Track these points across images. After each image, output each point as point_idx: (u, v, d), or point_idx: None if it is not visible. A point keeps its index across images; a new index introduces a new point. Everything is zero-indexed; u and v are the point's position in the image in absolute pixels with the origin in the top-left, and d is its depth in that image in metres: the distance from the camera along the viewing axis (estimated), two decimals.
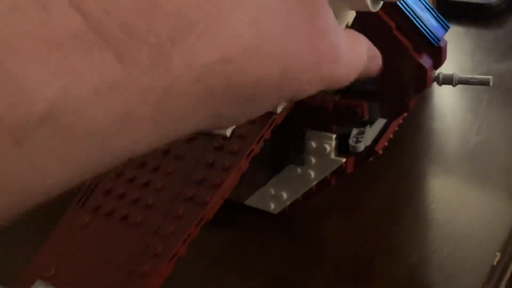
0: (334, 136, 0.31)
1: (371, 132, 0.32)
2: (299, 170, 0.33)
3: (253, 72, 0.14)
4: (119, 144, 0.12)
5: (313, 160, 0.32)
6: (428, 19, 0.28)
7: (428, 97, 0.46)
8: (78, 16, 0.11)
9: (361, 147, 0.30)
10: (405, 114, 0.34)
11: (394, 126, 0.33)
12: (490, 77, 0.28)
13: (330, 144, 0.31)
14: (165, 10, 0.12)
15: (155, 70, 0.12)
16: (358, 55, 0.20)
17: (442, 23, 0.28)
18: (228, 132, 0.20)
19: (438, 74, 0.29)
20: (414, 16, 0.27)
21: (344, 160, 0.31)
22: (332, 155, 0.31)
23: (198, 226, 0.22)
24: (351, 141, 0.31)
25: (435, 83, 0.30)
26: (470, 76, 0.29)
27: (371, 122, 0.32)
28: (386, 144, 0.33)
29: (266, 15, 0.14)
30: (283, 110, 0.22)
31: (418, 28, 0.27)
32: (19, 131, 0.11)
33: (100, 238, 0.23)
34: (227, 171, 0.24)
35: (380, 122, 0.33)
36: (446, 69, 0.29)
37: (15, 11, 0.11)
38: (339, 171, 0.32)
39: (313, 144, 0.31)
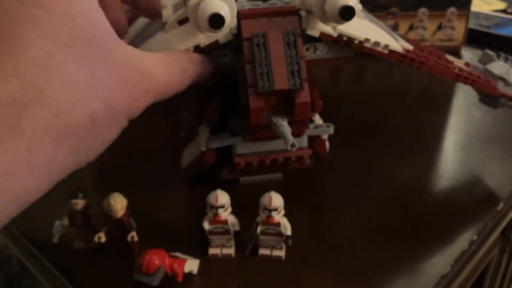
0: (207, 129, 0.35)
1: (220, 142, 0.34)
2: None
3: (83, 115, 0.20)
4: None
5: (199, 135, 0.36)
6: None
7: None
8: None
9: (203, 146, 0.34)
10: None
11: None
12: None
13: (204, 133, 0.35)
14: None
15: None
16: (178, 67, 0.25)
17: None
18: None
19: (276, 121, 0.28)
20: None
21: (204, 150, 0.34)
22: (202, 145, 0.34)
23: None
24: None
25: None
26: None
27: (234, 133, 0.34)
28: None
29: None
30: None
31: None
32: None
33: None
34: None
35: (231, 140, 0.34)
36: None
37: None
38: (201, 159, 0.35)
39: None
